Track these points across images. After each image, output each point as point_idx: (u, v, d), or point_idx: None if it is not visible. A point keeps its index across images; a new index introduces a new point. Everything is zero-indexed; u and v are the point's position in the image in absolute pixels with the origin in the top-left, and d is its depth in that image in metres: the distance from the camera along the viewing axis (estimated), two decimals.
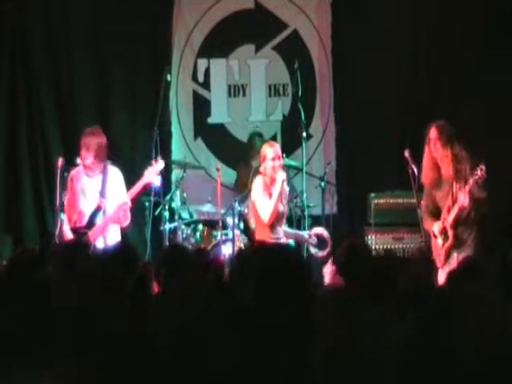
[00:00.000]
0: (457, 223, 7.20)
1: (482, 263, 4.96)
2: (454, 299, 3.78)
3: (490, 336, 3.55)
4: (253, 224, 8.66)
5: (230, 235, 8.44)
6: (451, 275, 4.97)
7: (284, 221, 7.95)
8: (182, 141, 10.05)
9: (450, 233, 7.21)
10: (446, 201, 7.29)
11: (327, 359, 3.38)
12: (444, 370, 3.56)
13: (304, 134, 8.74)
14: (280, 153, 7.87)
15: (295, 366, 3.61)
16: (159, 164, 7.76)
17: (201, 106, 10.11)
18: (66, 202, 7.68)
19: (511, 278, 4.65)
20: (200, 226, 8.81)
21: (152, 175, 7.67)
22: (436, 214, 7.42)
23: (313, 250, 7.87)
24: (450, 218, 7.21)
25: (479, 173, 7.09)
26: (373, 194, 9.13)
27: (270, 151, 7.83)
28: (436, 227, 7.31)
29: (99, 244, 7.43)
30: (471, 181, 7.09)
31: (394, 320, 3.92)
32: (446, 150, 7.25)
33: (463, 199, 7.09)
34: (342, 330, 3.57)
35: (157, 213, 8.63)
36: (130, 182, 9.72)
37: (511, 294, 4.27)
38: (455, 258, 7.00)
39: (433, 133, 7.29)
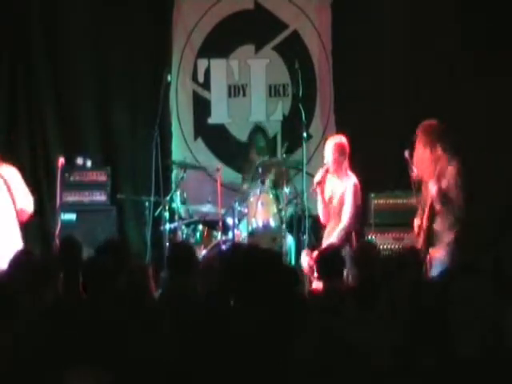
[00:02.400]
0: (431, 217, 7.26)
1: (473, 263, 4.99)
2: (449, 297, 3.81)
3: (483, 332, 3.57)
4: (254, 224, 8.67)
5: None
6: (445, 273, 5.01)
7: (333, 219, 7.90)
8: (182, 141, 10.05)
9: (424, 227, 7.30)
10: (426, 200, 7.37)
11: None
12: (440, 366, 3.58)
13: (304, 134, 8.74)
14: (338, 152, 7.82)
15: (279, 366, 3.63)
16: None
17: (201, 107, 10.10)
18: None
19: (503, 277, 4.67)
20: (200, 227, 8.82)
21: None
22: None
23: None
24: (425, 213, 7.31)
25: None
26: (373, 194, 9.13)
27: (329, 153, 7.86)
28: (415, 223, 7.41)
29: None
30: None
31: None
32: (425, 151, 7.32)
33: (431, 187, 7.20)
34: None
35: (157, 213, 8.64)
36: (131, 181, 9.77)
37: (503, 293, 4.30)
38: (430, 255, 7.04)
39: (417, 133, 7.39)
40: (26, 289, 4.59)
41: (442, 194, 7.21)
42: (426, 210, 7.31)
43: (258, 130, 9.80)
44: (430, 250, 7.14)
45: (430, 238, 7.28)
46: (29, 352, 3.83)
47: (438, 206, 7.24)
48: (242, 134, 10.01)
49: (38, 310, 4.16)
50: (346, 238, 7.70)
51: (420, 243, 7.26)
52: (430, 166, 7.29)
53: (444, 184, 7.20)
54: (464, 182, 7.23)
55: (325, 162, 7.93)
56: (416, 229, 7.41)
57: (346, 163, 7.90)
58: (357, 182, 7.90)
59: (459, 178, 7.21)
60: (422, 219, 7.34)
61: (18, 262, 5.12)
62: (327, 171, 7.88)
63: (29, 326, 4.00)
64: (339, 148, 7.90)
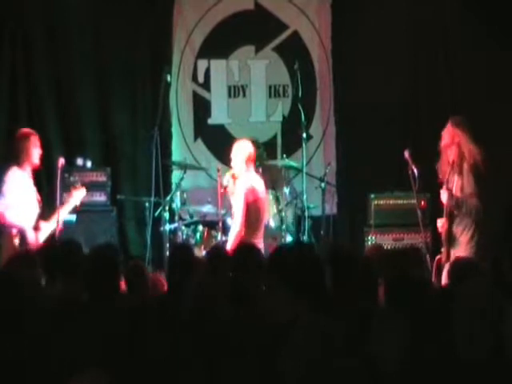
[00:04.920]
0: (450, 219, 7.29)
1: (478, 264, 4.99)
2: (453, 299, 3.81)
3: (486, 333, 3.57)
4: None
5: None
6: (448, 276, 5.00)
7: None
8: (182, 141, 10.05)
9: (445, 228, 7.32)
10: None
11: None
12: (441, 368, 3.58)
13: (304, 135, 8.73)
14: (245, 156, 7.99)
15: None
16: (83, 190, 7.73)
17: (201, 107, 10.11)
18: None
19: (503, 280, 4.68)
20: (200, 227, 8.80)
21: (77, 200, 7.66)
22: None
23: None
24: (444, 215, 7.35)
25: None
26: (373, 195, 9.12)
27: (236, 156, 8.04)
28: (438, 223, 7.39)
29: None
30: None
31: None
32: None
33: (442, 194, 7.24)
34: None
35: (157, 214, 8.63)
36: (131, 181, 9.76)
37: (504, 289, 4.30)
38: (452, 256, 7.04)
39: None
40: None
41: (454, 200, 7.20)
42: (445, 212, 7.33)
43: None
44: (452, 252, 7.13)
45: (451, 240, 7.27)
46: (31, 353, 3.83)
47: (455, 212, 7.25)
48: (242, 134, 9.99)
49: (39, 311, 4.14)
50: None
51: (443, 245, 7.26)
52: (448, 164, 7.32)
53: (458, 186, 7.21)
54: (481, 182, 7.23)
55: (232, 165, 8.03)
56: (440, 229, 7.41)
57: (250, 167, 7.99)
58: (249, 184, 7.90)
59: (475, 178, 7.20)
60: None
61: None
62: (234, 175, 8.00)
63: (32, 326, 4.00)
64: (247, 152, 7.98)
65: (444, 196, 7.23)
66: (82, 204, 7.94)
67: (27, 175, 7.56)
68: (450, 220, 7.26)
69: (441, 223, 7.30)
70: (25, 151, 7.55)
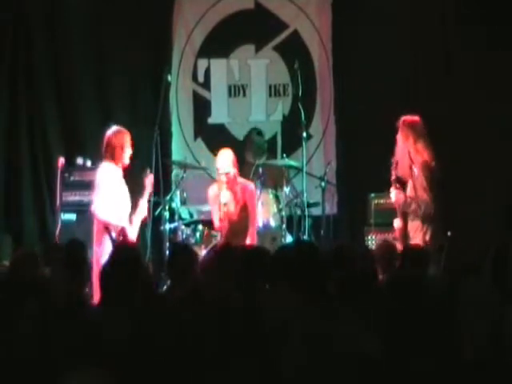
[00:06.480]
0: (404, 218, 7.38)
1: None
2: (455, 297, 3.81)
3: (488, 333, 3.58)
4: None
5: None
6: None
7: None
8: (182, 141, 10.06)
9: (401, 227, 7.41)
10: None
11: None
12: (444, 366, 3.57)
13: (304, 134, 8.74)
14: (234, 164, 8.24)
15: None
16: (151, 176, 7.71)
17: (201, 107, 10.12)
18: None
19: (503, 273, 4.68)
20: (200, 226, 8.80)
21: (150, 187, 7.60)
22: None
23: None
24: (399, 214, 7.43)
25: None
26: (373, 194, 9.13)
27: (228, 165, 8.21)
28: (395, 224, 7.48)
29: None
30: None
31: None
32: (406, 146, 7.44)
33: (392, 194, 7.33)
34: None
35: (157, 213, 8.62)
36: (130, 181, 9.75)
37: (504, 289, 4.30)
38: None
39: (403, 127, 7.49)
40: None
41: (403, 198, 7.29)
42: (399, 211, 7.40)
43: (254, 131, 9.79)
44: None
45: (406, 238, 7.33)
46: (33, 352, 3.83)
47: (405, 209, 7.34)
48: (241, 134, 10.03)
49: (42, 310, 4.14)
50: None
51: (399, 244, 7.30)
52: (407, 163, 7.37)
53: (411, 185, 7.28)
54: (433, 180, 7.28)
55: (221, 172, 8.17)
56: (395, 228, 7.49)
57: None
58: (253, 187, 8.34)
59: (426, 178, 7.25)
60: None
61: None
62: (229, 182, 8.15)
63: (34, 326, 4.00)
64: (233, 157, 8.19)
65: (393, 194, 7.33)
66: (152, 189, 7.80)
67: (120, 172, 7.45)
68: (405, 219, 7.35)
69: (396, 223, 7.40)
70: (120, 148, 7.46)
